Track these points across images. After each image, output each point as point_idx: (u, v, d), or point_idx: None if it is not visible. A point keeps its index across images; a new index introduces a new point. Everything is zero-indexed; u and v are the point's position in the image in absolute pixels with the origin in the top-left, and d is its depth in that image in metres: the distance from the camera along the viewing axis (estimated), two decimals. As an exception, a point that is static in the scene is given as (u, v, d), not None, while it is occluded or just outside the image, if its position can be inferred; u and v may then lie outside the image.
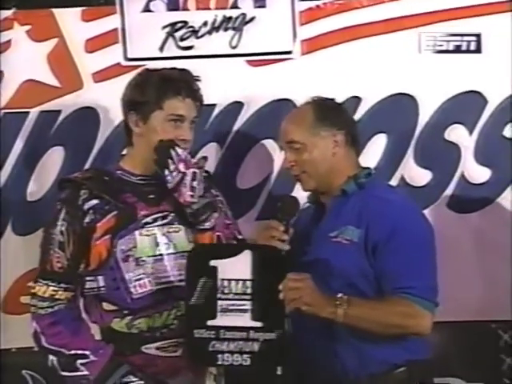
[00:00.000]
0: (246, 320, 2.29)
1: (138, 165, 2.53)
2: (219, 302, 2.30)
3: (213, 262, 2.30)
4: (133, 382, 2.43)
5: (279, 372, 2.45)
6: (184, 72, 2.52)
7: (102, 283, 2.47)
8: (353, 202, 2.47)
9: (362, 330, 2.34)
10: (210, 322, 2.30)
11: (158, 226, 2.49)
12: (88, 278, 2.49)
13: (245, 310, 2.30)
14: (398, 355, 2.42)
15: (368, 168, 2.60)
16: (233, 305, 2.29)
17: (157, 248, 2.47)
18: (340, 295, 2.29)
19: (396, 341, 2.39)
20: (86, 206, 2.46)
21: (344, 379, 2.44)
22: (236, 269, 2.29)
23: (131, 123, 2.51)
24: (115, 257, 2.45)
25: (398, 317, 2.34)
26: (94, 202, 2.47)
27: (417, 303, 2.33)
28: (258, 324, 2.29)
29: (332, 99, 2.62)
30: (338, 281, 2.40)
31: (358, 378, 2.42)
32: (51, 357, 2.47)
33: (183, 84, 2.49)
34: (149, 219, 2.48)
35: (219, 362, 2.30)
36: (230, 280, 2.30)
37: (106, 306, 2.48)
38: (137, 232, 2.46)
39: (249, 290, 2.30)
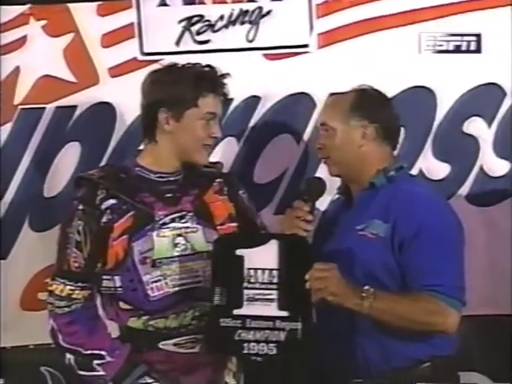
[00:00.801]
0: (272, 309, 2.28)
1: (160, 162, 2.50)
2: (245, 291, 2.29)
3: (239, 252, 2.29)
4: (149, 383, 2.42)
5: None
6: (215, 69, 2.49)
7: (118, 283, 2.44)
8: (381, 195, 2.44)
9: (386, 324, 2.32)
10: (236, 311, 2.29)
11: (175, 226, 2.46)
12: (105, 277, 2.46)
13: (271, 300, 2.28)
14: (422, 351, 2.40)
15: (399, 161, 2.57)
16: (259, 294, 2.28)
17: (174, 249, 2.45)
18: (367, 287, 2.27)
19: (420, 336, 2.37)
20: (104, 206, 2.44)
21: (366, 373, 2.42)
22: (262, 258, 2.28)
23: (161, 120, 2.46)
24: (132, 258, 2.42)
25: (424, 313, 2.32)
26: (112, 201, 2.44)
27: (443, 301, 2.30)
28: (285, 313, 2.28)
29: (378, 91, 2.58)
30: (361, 273, 2.38)
31: (381, 372, 2.40)
32: (68, 355, 2.46)
33: (216, 81, 2.47)
34: (166, 219, 2.46)
35: (245, 351, 2.29)
36: (256, 269, 2.29)
37: (123, 305, 2.47)
38: (154, 233, 2.44)
39: (275, 280, 2.29)
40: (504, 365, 3.09)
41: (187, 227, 2.47)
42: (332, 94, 2.69)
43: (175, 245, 2.45)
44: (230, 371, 2.54)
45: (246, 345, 2.29)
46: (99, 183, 2.46)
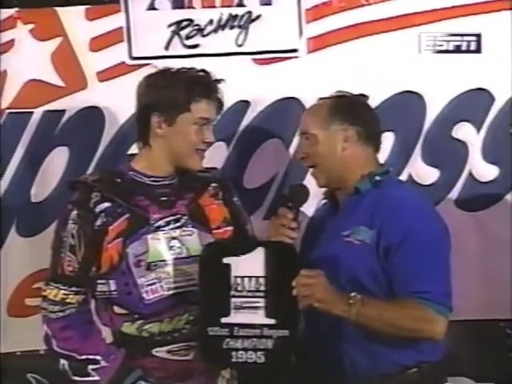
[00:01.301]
0: (259, 317, 2.28)
1: (154, 166, 2.49)
2: (232, 300, 2.28)
3: (226, 260, 2.29)
4: None
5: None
6: (209, 74, 2.49)
7: (113, 287, 2.43)
8: (367, 200, 2.43)
9: (373, 331, 2.31)
10: (223, 320, 2.28)
11: (170, 229, 2.45)
12: (99, 281, 2.45)
13: (258, 307, 2.28)
14: (409, 356, 2.39)
15: (385, 165, 2.56)
16: (246, 302, 2.28)
17: (169, 252, 2.44)
18: (353, 294, 2.27)
19: (407, 342, 2.36)
20: (98, 209, 2.43)
21: (353, 379, 2.41)
22: (249, 266, 2.28)
23: (154, 124, 2.46)
24: (127, 261, 2.41)
25: (412, 320, 2.31)
26: (106, 204, 2.43)
27: (431, 308, 2.30)
28: (272, 321, 2.28)
29: (355, 95, 2.57)
30: (347, 279, 2.37)
31: (368, 378, 2.40)
32: (62, 361, 2.44)
33: (210, 87, 2.47)
34: (161, 222, 2.45)
35: (233, 360, 2.28)
36: (243, 277, 2.28)
37: (117, 309, 2.45)
38: (149, 236, 2.43)
39: (262, 287, 2.28)
40: (493, 369, 3.10)
41: (182, 230, 2.47)
42: (321, 99, 2.67)
43: (170, 248, 2.45)
44: (223, 378, 2.52)
45: (234, 353, 2.29)
46: (93, 186, 2.45)
